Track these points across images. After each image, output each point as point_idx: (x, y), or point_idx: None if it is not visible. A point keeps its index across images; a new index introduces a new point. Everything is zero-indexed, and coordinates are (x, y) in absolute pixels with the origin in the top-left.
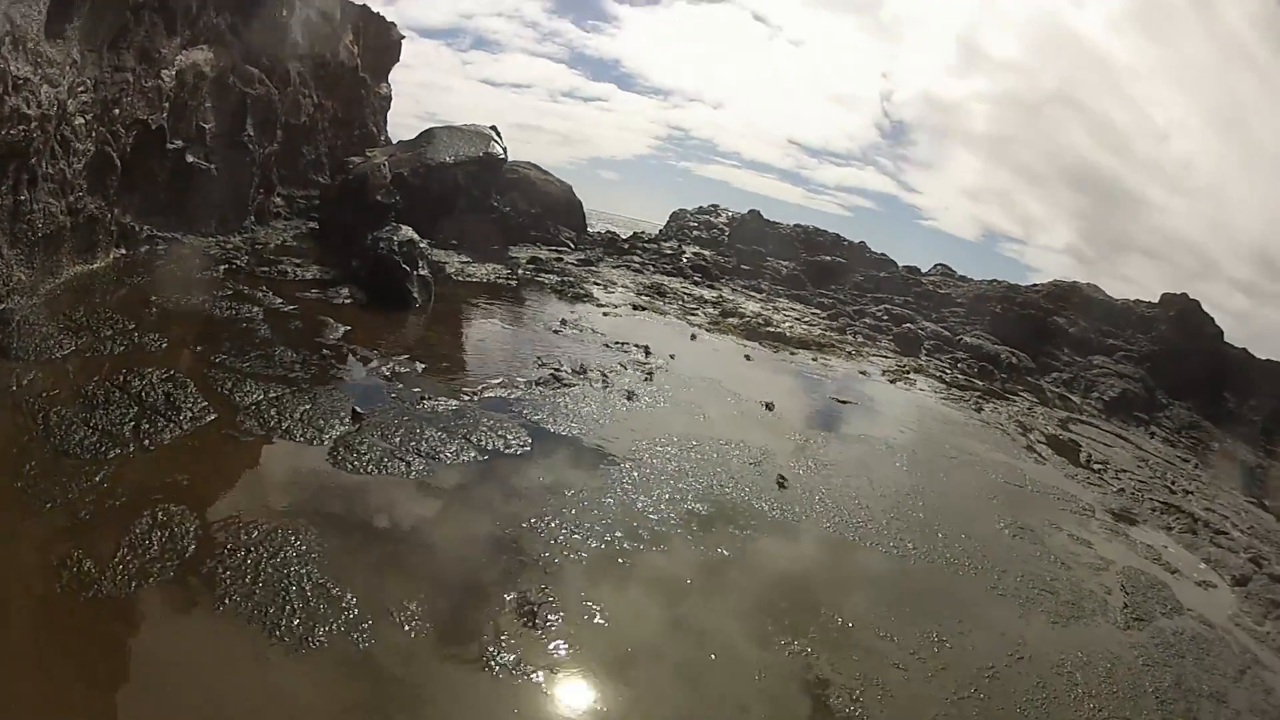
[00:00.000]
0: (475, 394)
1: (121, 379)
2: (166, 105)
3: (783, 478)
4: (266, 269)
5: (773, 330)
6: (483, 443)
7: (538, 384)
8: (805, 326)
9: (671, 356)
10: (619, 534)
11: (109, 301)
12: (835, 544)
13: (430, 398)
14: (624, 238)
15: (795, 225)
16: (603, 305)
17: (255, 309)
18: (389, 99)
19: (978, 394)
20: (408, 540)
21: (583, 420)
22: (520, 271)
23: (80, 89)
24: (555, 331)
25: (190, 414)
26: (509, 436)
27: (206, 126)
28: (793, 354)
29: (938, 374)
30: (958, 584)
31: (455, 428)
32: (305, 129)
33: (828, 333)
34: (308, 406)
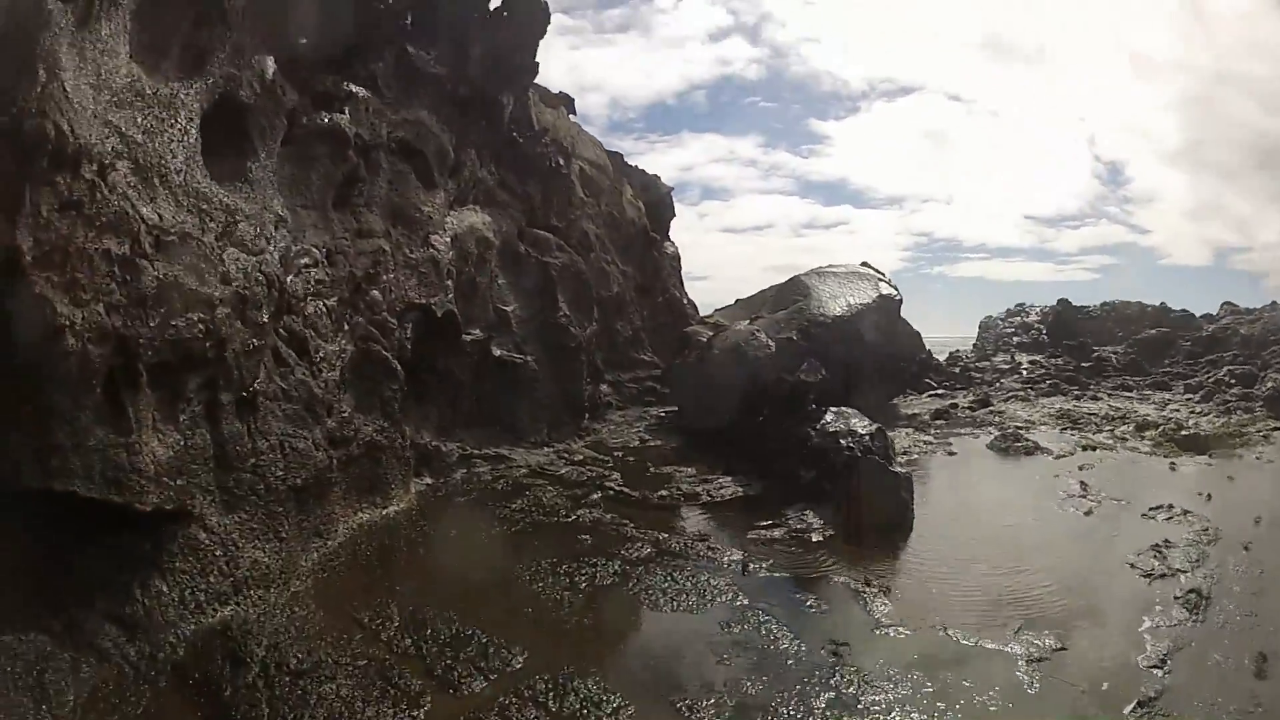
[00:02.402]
0: None
1: None
2: (449, 283)
3: None
4: (665, 493)
5: (1188, 434)
6: None
7: None
8: (1206, 421)
9: (1209, 497)
10: None
11: (443, 587)
12: None
13: None
14: (944, 360)
15: (1102, 304)
16: (1058, 455)
17: (719, 583)
18: (678, 258)
19: None
20: None
21: None
22: (933, 432)
23: (303, 260)
24: (1087, 514)
25: None
26: None
27: (507, 309)
28: (1240, 458)
29: None
30: None
31: None
32: (616, 301)
33: (1218, 419)
34: None
